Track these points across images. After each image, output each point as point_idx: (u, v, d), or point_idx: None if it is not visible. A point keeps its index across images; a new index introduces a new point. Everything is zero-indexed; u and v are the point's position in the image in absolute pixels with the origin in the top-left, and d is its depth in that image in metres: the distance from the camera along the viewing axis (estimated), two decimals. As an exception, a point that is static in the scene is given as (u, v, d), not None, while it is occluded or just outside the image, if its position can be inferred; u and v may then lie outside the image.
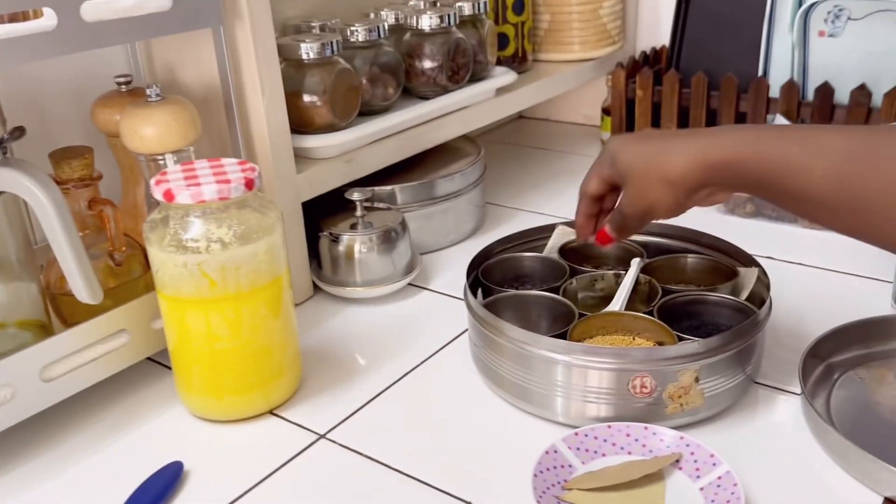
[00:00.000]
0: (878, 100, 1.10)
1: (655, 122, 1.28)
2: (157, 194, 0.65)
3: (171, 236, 0.65)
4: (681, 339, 0.68)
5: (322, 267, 0.91)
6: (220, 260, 0.64)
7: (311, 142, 0.89)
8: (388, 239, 0.90)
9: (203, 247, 0.64)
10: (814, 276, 0.91)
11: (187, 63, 0.85)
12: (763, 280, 0.75)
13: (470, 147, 1.12)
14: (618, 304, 0.75)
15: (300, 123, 0.89)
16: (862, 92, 1.09)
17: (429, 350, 0.81)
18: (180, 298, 0.66)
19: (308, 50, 0.88)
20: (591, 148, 1.39)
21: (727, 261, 0.80)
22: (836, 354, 0.73)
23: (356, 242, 0.88)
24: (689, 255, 0.82)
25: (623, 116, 1.32)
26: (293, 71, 0.89)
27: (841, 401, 0.69)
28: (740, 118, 1.20)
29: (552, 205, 1.15)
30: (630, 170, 0.59)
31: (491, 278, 0.81)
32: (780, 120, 1.14)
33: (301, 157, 0.89)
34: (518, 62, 1.27)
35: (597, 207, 0.67)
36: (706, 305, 0.75)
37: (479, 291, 0.79)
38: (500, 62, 1.22)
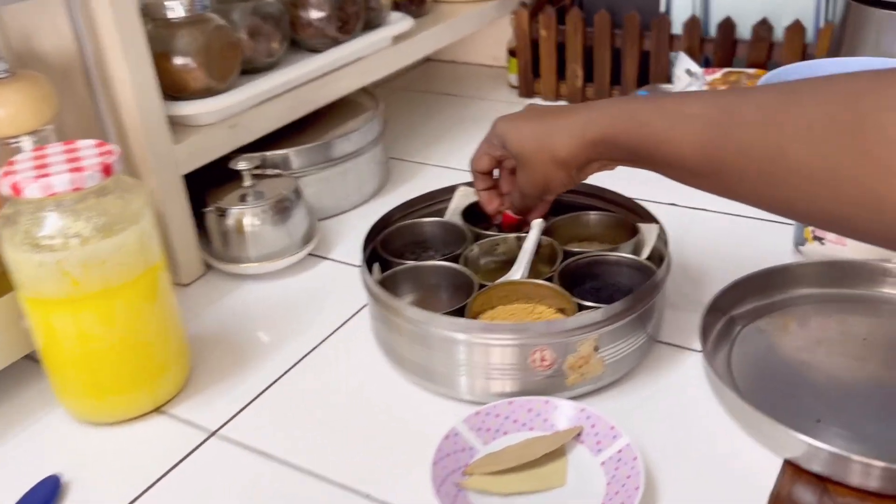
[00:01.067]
0: (779, 34, 1.08)
1: (561, 63, 1.24)
2: (4, 188, 0.58)
3: (23, 234, 0.59)
4: (581, 306, 0.66)
5: (212, 243, 0.86)
6: (81, 256, 0.59)
7: (188, 108, 0.82)
8: (282, 209, 0.85)
9: (60, 244, 0.58)
10: (718, 222, 0.90)
11: (43, 31, 0.77)
12: (662, 237, 0.73)
13: (368, 101, 1.07)
14: (519, 270, 0.72)
15: (174, 89, 0.82)
16: (763, 27, 1.08)
17: (329, 327, 0.77)
18: (42, 300, 0.61)
19: (174, 6, 0.80)
20: (499, 92, 1.35)
21: (629, 216, 0.78)
22: (737, 307, 0.73)
23: (246, 215, 0.83)
24: (592, 212, 0.80)
25: (529, 58, 1.28)
26: (162, 31, 0.81)
27: (742, 356, 0.68)
28: (644, 57, 1.18)
29: (459, 156, 1.11)
30: (521, 153, 0.62)
31: (391, 247, 0.77)
32: (683, 58, 1.12)
33: (178, 125, 0.83)
34: (416, 5, 1.20)
35: (491, 181, 0.72)
36: (607, 266, 0.73)
37: (377, 266, 0.75)
38: (396, 6, 1.15)
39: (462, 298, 0.69)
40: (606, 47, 1.19)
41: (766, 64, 1.09)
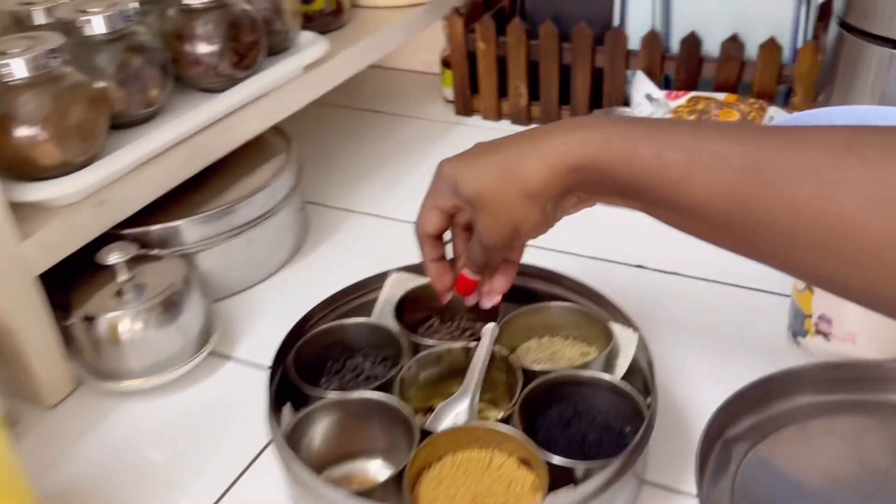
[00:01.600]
0: (752, 51, 0.95)
1: (503, 78, 1.09)
2: None
3: None
4: (546, 454, 0.52)
5: (83, 354, 0.68)
6: None
7: (37, 192, 0.64)
8: (170, 304, 0.68)
9: None
10: (696, 291, 0.77)
11: None
12: (645, 352, 0.60)
13: (277, 140, 0.90)
14: (468, 393, 0.58)
15: (17, 168, 0.64)
16: (734, 43, 0.94)
17: (239, 461, 0.61)
18: None
19: (15, 67, 0.61)
20: (434, 107, 1.19)
21: (597, 312, 0.64)
22: (732, 426, 0.60)
23: (123, 320, 0.66)
24: (553, 303, 0.66)
25: (466, 72, 1.12)
26: (-3, 94, 0.63)
27: (746, 497, 0.55)
28: (597, 74, 1.03)
29: (391, 199, 0.95)
30: (480, 194, 0.50)
31: (308, 360, 0.62)
32: (642, 79, 0.98)
33: (26, 212, 0.64)
34: (332, 16, 1.02)
35: (443, 247, 0.57)
36: (579, 387, 0.59)
37: (287, 407, 0.59)
38: (309, 20, 0.98)
39: (399, 438, 0.55)
40: (554, 63, 1.04)
41: (736, 86, 0.95)
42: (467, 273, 0.57)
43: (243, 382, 0.70)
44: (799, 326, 0.66)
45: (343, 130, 1.14)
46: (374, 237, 0.89)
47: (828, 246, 0.37)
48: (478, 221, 0.51)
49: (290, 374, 0.60)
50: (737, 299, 0.75)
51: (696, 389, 0.65)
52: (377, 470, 0.59)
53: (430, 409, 0.62)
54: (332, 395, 0.58)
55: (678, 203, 0.42)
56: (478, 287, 0.59)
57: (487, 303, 0.60)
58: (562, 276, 0.67)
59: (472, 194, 0.50)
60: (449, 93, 1.18)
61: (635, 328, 0.61)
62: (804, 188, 0.37)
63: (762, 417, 0.61)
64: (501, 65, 1.08)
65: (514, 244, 0.53)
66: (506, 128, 1.11)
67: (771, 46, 0.92)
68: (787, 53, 0.94)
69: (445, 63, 1.17)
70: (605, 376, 0.58)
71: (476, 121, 1.14)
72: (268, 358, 0.61)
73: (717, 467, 0.57)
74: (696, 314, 0.73)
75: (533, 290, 0.68)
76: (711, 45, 0.96)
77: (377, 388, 0.58)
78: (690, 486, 0.57)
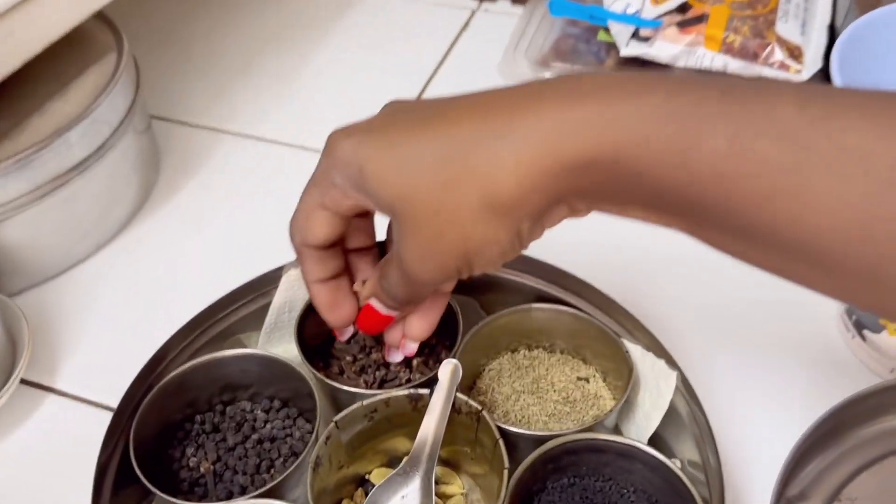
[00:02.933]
0: None
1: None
2: None
3: None
4: None
5: None
6: None
7: None
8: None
9: None
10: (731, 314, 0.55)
11: None
12: (692, 401, 0.40)
13: (102, 36, 0.61)
14: (417, 475, 0.38)
15: None
16: None
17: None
18: None
19: None
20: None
21: (607, 327, 0.44)
22: (796, 482, 0.42)
23: None
24: (536, 305, 0.45)
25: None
26: None
27: None
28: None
29: (280, 113, 0.69)
30: (408, 201, 0.31)
31: (163, 417, 0.40)
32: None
33: None
34: None
35: (336, 263, 0.38)
36: (592, 453, 0.39)
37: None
38: None
39: None
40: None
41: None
42: (376, 306, 0.38)
43: (71, 429, 0.47)
44: (870, 318, 0.48)
45: (201, 12, 0.83)
46: (257, 169, 0.64)
47: None
48: (402, 242, 0.33)
49: (135, 468, 0.37)
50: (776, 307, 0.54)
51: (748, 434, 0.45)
52: None
53: (361, 480, 0.42)
54: (207, 507, 0.36)
55: (774, 230, 0.26)
56: (391, 324, 0.39)
57: (395, 356, 0.42)
58: (554, 268, 0.46)
59: (391, 200, 0.31)
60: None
61: (673, 363, 0.41)
62: None
63: (829, 460, 0.44)
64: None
65: (460, 277, 0.34)
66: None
67: None
68: None
69: None
70: (657, 455, 0.38)
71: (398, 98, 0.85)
72: (108, 385, 0.38)
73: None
74: (732, 335, 0.52)
75: (508, 286, 0.46)
76: None
77: (274, 487, 0.37)
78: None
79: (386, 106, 0.34)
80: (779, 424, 0.44)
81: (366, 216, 0.38)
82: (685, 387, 0.40)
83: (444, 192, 0.30)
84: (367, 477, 0.42)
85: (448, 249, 0.32)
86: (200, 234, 0.58)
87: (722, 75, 0.27)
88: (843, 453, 0.43)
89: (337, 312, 0.39)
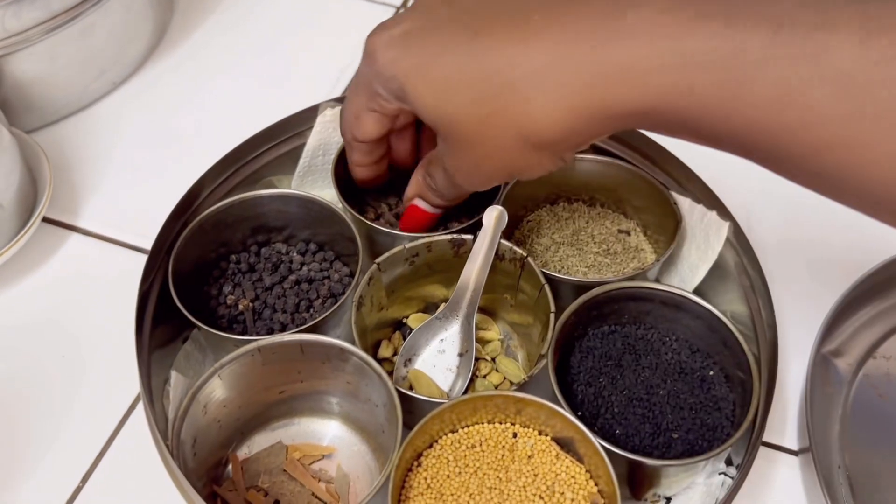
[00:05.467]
0: None
1: None
2: None
3: None
4: (598, 424, 0.33)
5: None
6: None
7: None
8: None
9: None
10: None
11: None
12: (743, 253, 0.39)
13: None
14: (457, 319, 0.38)
15: None
16: None
17: (103, 424, 0.40)
18: None
19: None
20: None
21: (657, 180, 0.42)
22: (833, 337, 0.42)
23: None
24: (580, 157, 0.43)
25: None
26: None
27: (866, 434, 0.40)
28: None
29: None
30: (452, 126, 0.31)
31: (196, 258, 0.39)
32: None
33: None
34: None
35: (382, 150, 0.38)
36: (635, 302, 0.39)
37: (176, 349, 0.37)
38: None
39: (360, 382, 0.35)
40: None
41: None
42: (421, 205, 0.38)
43: (99, 268, 0.46)
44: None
45: None
46: (288, 8, 0.60)
47: None
48: (448, 156, 0.33)
49: (174, 298, 0.37)
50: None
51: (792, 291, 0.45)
52: (332, 434, 0.39)
53: (397, 324, 0.42)
54: (243, 346, 0.35)
55: (840, 177, 0.24)
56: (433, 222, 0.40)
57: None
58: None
59: (433, 122, 0.31)
60: None
61: (726, 213, 0.40)
62: None
63: (869, 319, 0.44)
64: None
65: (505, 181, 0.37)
66: None
67: None
68: None
69: None
70: (703, 304, 0.37)
71: None
72: (134, 225, 0.37)
73: (821, 400, 0.40)
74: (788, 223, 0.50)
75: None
76: None
77: (315, 325, 0.36)
78: (786, 438, 0.40)
79: (419, 4, 0.31)
80: (822, 284, 0.43)
81: None
82: (737, 238, 0.39)
83: (484, 127, 0.30)
84: (404, 321, 0.42)
85: (492, 171, 0.32)
86: (224, 74, 0.55)
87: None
88: (881, 312, 0.43)
89: (368, 178, 0.40)
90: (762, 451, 0.39)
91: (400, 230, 0.39)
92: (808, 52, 0.23)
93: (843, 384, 0.41)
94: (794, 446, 0.39)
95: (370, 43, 0.31)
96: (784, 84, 0.24)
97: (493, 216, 0.38)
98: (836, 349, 0.42)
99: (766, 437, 0.40)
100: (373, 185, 0.40)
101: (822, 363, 0.41)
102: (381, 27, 0.31)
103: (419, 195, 0.38)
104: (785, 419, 0.40)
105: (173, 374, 0.35)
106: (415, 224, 0.39)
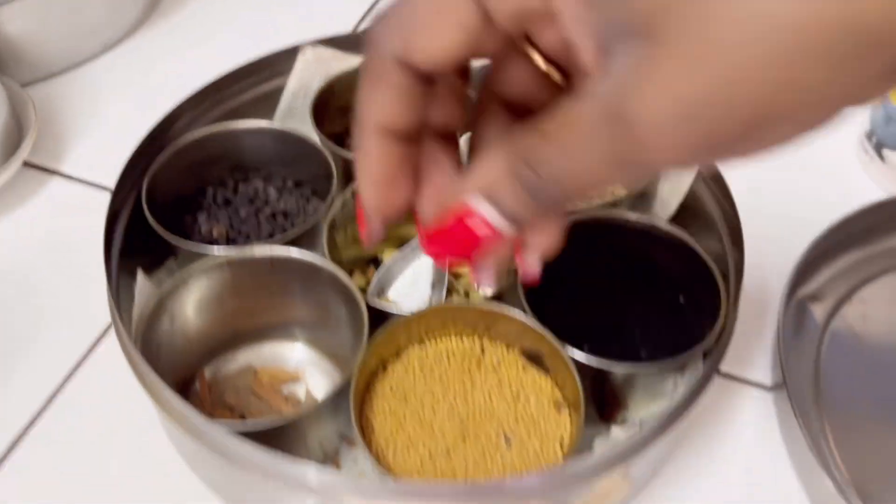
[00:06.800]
0: None
1: None
2: None
3: None
4: (568, 339, 0.33)
5: None
6: None
7: None
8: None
9: None
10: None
11: None
12: (716, 190, 0.39)
13: None
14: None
15: None
16: None
17: (73, 346, 0.40)
18: None
19: None
20: None
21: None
22: (807, 282, 0.42)
23: None
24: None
25: None
26: None
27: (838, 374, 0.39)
28: None
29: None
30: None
31: (173, 187, 0.39)
32: None
33: None
34: None
35: (411, 153, 0.22)
36: (612, 236, 0.39)
37: (141, 273, 0.36)
38: None
39: (328, 309, 0.35)
40: None
41: None
42: (487, 214, 0.20)
43: (78, 212, 0.46)
44: (889, 137, 0.47)
45: None
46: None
47: None
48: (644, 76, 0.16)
49: (145, 212, 0.37)
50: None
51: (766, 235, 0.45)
52: (300, 358, 0.38)
53: (373, 262, 0.41)
54: (218, 254, 0.35)
55: None
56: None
57: (488, 280, 0.23)
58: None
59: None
60: None
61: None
62: None
63: (848, 265, 0.44)
64: None
65: None
66: None
67: None
68: None
69: None
70: (663, 224, 0.38)
71: None
72: (112, 175, 0.37)
73: (796, 339, 0.40)
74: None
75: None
76: None
77: (291, 240, 0.36)
78: (759, 373, 0.40)
79: None
80: (796, 230, 0.43)
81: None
82: (711, 174, 0.39)
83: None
84: (379, 257, 0.42)
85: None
86: (215, 39, 0.56)
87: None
88: (861, 260, 0.43)
89: (390, 190, 0.22)
90: (736, 388, 0.39)
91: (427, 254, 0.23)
92: None
93: (818, 325, 0.41)
94: (769, 382, 0.39)
95: None
96: None
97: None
98: (814, 293, 0.42)
99: (740, 373, 0.39)
100: (389, 211, 0.22)
101: (798, 306, 0.41)
102: None
103: (489, 194, 0.20)
104: (759, 357, 0.40)
105: (139, 275, 0.35)
106: (454, 244, 0.21)
